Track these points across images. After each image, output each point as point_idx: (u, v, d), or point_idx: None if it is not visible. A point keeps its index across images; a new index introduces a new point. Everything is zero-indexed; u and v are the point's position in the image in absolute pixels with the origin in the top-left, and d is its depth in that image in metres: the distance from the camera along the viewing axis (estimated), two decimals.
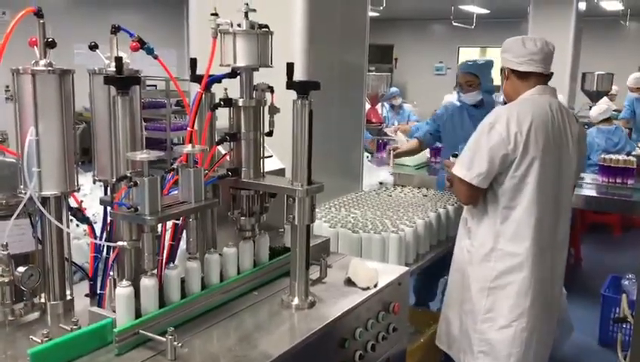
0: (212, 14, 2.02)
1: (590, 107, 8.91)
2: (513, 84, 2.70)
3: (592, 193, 5.28)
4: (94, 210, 2.50)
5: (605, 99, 9.20)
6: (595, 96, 9.41)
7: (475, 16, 11.38)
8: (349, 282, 2.25)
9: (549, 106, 2.59)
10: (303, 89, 1.95)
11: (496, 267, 2.58)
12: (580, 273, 6.22)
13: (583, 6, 9.29)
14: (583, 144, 2.82)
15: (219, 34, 2.02)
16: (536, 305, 2.59)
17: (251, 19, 2.03)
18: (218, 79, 2.06)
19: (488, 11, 12.22)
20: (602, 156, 5.56)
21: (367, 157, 5.31)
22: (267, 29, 2.06)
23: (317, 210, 2.89)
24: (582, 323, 4.20)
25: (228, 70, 2.09)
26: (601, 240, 7.23)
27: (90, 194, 3.03)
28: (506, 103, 4.02)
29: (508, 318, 2.57)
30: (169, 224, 1.94)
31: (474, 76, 4.02)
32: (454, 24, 10.96)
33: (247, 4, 2.02)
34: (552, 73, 2.73)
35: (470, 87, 4.01)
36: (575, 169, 2.70)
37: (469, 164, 2.54)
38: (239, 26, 2.02)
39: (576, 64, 9.34)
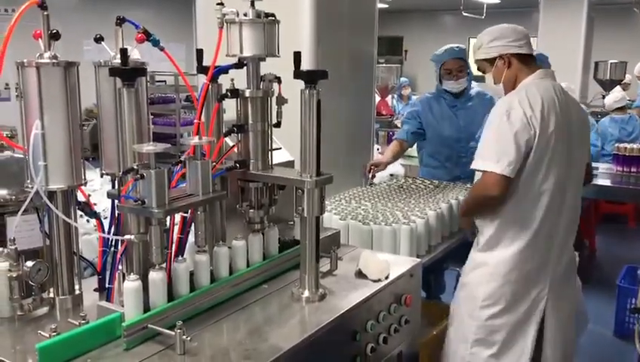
0: (218, 4, 1.99)
1: (603, 96, 8.84)
2: (515, 70, 2.59)
3: (607, 183, 5.22)
4: (104, 205, 2.49)
5: (618, 88, 9.09)
6: (608, 86, 9.31)
7: (485, 6, 11.26)
8: (360, 274, 2.23)
9: (553, 89, 2.52)
10: (310, 78, 1.92)
11: (498, 254, 2.53)
12: (595, 264, 6.15)
13: None
14: (587, 130, 2.72)
15: (225, 24, 2.00)
16: (539, 293, 2.54)
17: (258, 9, 2.00)
18: (225, 70, 2.04)
19: (499, 1, 12.10)
20: (616, 145, 5.49)
21: (378, 149, 5.28)
22: (274, 18, 2.03)
23: (327, 202, 2.86)
24: (597, 315, 4.14)
25: (235, 61, 2.06)
26: (616, 230, 7.15)
27: (100, 189, 3.04)
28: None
29: (507, 305, 2.52)
30: (177, 218, 1.93)
31: (464, 61, 3.95)
32: (464, 14, 10.84)
33: None
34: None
35: (461, 72, 3.92)
36: (581, 155, 2.61)
37: (497, 155, 2.38)
38: (245, 15, 1.99)
39: (588, 53, 9.23)
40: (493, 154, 2.41)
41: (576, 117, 2.59)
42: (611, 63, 9.42)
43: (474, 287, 2.57)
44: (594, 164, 5.56)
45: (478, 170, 2.49)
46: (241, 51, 2.01)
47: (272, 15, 2.03)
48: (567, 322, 2.70)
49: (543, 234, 2.52)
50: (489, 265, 2.54)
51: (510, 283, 2.51)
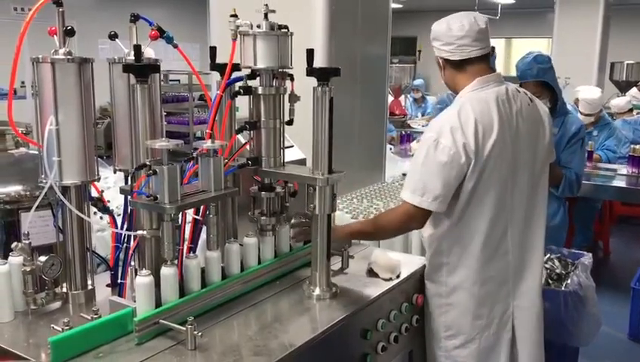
0: (231, 16, 1.99)
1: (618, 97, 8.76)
2: (451, 74, 2.36)
3: (621, 184, 5.17)
4: (118, 202, 2.51)
5: (634, 89, 9.00)
6: (624, 87, 9.22)
7: (499, 6, 11.21)
8: (371, 273, 2.23)
9: (495, 101, 2.24)
10: (323, 75, 1.92)
11: (449, 282, 2.32)
12: (609, 266, 6.10)
13: None
14: (541, 128, 2.39)
15: (239, 35, 2.00)
16: (503, 315, 2.33)
17: (271, 20, 2.00)
18: (237, 81, 2.04)
19: (513, 1, 12.04)
20: (631, 146, 5.45)
21: (390, 148, 5.27)
22: (287, 30, 2.03)
23: (339, 201, 2.86)
24: (611, 317, 4.11)
25: (247, 71, 2.06)
26: (631, 232, 7.08)
27: (114, 186, 3.06)
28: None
29: (470, 334, 2.32)
30: (189, 219, 1.93)
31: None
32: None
33: (266, 5, 2.00)
34: (493, 48, 2.36)
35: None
36: (530, 162, 2.33)
37: (422, 188, 2.18)
38: (259, 27, 2.00)
39: (604, 54, 9.15)
40: (419, 187, 2.20)
41: (527, 123, 2.32)
42: (628, 64, 9.33)
43: (434, 319, 2.37)
44: (611, 166, 5.55)
45: (405, 202, 2.24)
46: (255, 63, 2.01)
47: (285, 27, 2.03)
48: (538, 334, 2.45)
49: (492, 252, 2.29)
50: (442, 295, 2.33)
51: (469, 311, 2.30)
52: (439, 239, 2.31)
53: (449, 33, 2.31)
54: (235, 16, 1.99)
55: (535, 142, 2.36)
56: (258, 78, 2.07)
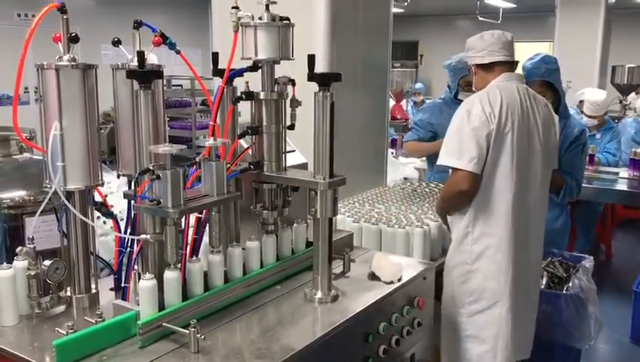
0: (233, 7, 2.01)
1: (620, 101, 8.75)
2: (481, 78, 2.78)
3: (623, 187, 5.17)
4: (121, 207, 2.53)
5: (632, 95, 8.99)
6: (625, 90, 9.21)
7: (501, 10, 11.22)
8: (373, 276, 2.24)
9: (516, 90, 2.63)
10: (324, 81, 1.93)
11: (474, 249, 2.61)
12: (611, 269, 6.10)
13: None
14: (553, 136, 2.80)
15: (240, 27, 2.02)
16: (517, 286, 2.63)
17: (272, 13, 2.02)
18: (240, 73, 2.06)
19: (515, 5, 12.05)
20: (633, 150, 5.45)
21: (392, 153, 5.29)
22: (288, 22, 2.05)
23: (340, 204, 2.87)
24: (613, 320, 4.12)
25: (249, 63, 2.08)
26: (633, 235, 7.08)
27: (117, 191, 3.08)
28: None
29: (490, 300, 2.61)
30: (192, 219, 1.95)
31: None
32: (480, 19, 10.79)
33: None
34: (517, 62, 2.81)
35: None
36: (542, 155, 2.68)
37: (459, 152, 2.53)
38: (260, 19, 2.01)
39: (605, 57, 9.14)
40: (455, 151, 2.54)
41: (543, 121, 2.69)
42: (629, 67, 9.33)
43: (458, 286, 2.65)
44: (613, 169, 5.54)
45: (441, 165, 2.63)
46: (256, 54, 2.03)
47: (287, 19, 2.05)
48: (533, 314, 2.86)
49: (510, 228, 2.58)
50: (467, 262, 2.62)
51: (490, 278, 2.60)
52: (465, 212, 2.62)
53: (481, 40, 2.77)
54: (236, 7, 2.01)
55: (547, 142, 2.72)
56: (260, 84, 2.09)
